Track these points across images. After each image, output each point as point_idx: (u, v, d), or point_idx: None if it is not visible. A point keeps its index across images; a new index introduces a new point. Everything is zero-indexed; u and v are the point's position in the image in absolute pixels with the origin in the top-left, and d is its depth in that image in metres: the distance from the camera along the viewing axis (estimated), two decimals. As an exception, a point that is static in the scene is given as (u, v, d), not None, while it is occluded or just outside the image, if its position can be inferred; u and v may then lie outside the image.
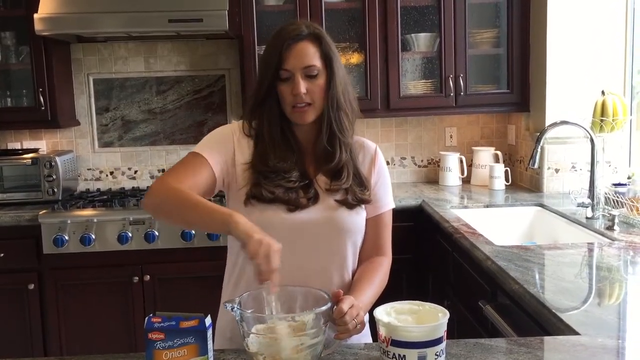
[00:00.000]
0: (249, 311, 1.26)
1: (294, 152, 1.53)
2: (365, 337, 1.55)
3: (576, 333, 1.35)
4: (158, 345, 1.11)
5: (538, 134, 2.64)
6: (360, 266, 1.59)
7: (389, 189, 1.64)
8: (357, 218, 1.54)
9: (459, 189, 3.44)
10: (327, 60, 1.50)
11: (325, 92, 1.50)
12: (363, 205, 1.56)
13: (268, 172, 1.49)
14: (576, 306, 1.57)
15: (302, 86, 1.46)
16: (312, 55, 1.48)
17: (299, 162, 1.53)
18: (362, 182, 1.56)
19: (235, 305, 1.22)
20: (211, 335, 1.13)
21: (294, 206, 1.48)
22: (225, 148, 1.53)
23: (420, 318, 1.19)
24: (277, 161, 1.50)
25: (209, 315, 1.14)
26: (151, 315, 1.13)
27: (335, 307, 1.30)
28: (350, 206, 1.52)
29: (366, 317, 1.54)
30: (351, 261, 1.56)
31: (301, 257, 1.48)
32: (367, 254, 1.60)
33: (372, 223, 1.60)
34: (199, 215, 1.37)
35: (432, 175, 3.73)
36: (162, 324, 1.11)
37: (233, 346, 1.48)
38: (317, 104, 1.50)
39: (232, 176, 1.53)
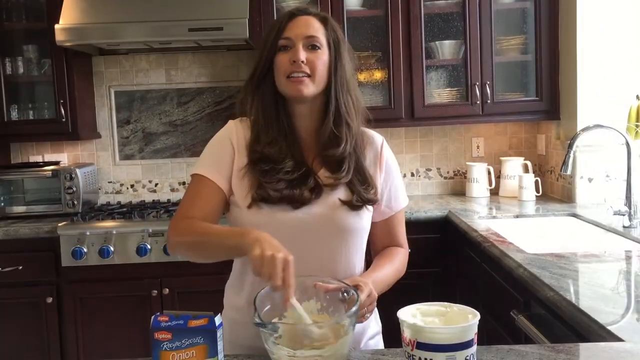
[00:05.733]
0: (267, 314, 1.18)
1: (285, 136, 1.43)
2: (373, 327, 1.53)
3: (620, 340, 1.24)
4: (165, 346, 1.03)
5: (569, 142, 2.53)
6: (379, 253, 1.53)
7: (400, 186, 1.55)
8: (359, 219, 1.45)
9: (487, 200, 3.33)
10: (334, 42, 1.42)
11: (329, 70, 1.41)
12: (370, 207, 1.47)
13: (260, 162, 1.40)
14: (617, 313, 1.46)
15: (302, 54, 1.38)
16: (316, 28, 1.41)
17: (296, 150, 1.44)
18: (365, 180, 1.46)
19: (258, 319, 1.12)
20: (221, 336, 1.05)
21: (299, 203, 1.39)
22: (227, 156, 1.46)
23: (449, 320, 1.10)
24: (264, 146, 1.41)
25: (220, 314, 1.06)
26: (158, 313, 1.06)
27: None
28: (354, 207, 1.42)
29: (377, 314, 1.54)
30: (358, 259, 1.48)
31: (305, 255, 1.38)
32: (382, 247, 1.56)
33: (384, 224, 1.53)
34: (216, 247, 1.38)
35: (458, 187, 3.62)
36: (169, 323, 1.04)
37: (233, 349, 1.39)
38: (316, 78, 1.40)
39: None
